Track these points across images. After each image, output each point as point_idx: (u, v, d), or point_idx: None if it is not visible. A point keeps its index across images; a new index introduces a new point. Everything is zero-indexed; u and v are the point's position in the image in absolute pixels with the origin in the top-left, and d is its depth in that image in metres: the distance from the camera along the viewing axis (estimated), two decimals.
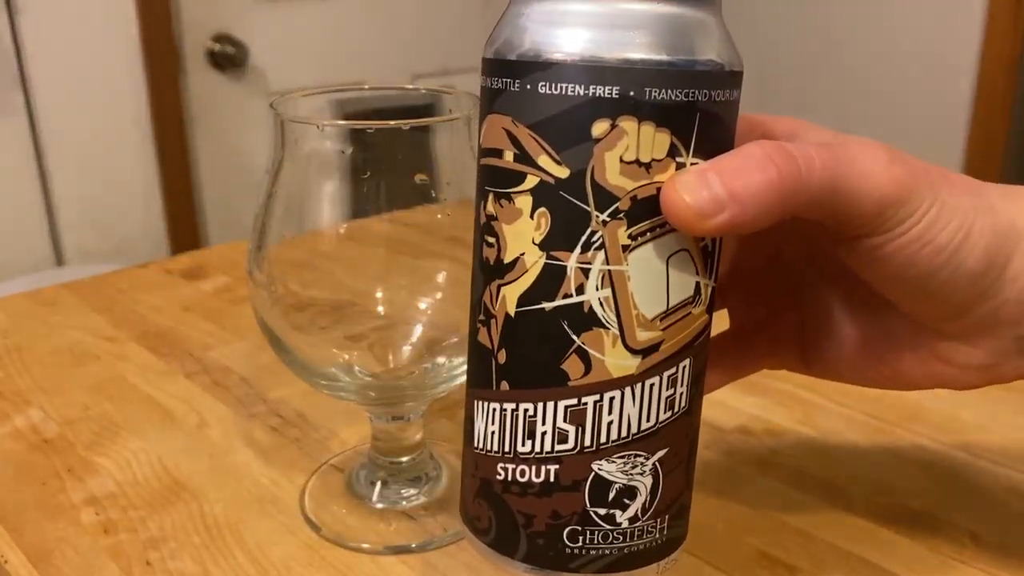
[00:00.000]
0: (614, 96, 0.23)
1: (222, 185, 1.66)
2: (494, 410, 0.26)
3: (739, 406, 0.46)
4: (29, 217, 1.45)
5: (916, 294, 0.27)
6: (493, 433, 0.27)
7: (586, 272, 0.24)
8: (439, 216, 0.35)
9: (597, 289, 0.24)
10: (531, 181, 0.24)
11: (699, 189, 0.23)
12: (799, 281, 0.31)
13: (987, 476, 0.41)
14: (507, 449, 0.26)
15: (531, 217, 0.24)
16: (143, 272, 0.67)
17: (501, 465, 0.27)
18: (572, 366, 0.25)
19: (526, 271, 0.25)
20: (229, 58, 1.60)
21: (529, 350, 0.25)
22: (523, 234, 0.24)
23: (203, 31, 1.58)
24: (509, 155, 0.24)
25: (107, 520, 0.38)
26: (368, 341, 0.37)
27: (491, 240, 0.25)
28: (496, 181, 0.25)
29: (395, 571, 0.35)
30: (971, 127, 1.52)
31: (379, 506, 0.38)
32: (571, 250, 0.24)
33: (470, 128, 0.34)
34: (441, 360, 0.36)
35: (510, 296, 0.25)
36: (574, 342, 0.25)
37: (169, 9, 1.50)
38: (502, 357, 0.26)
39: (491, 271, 0.26)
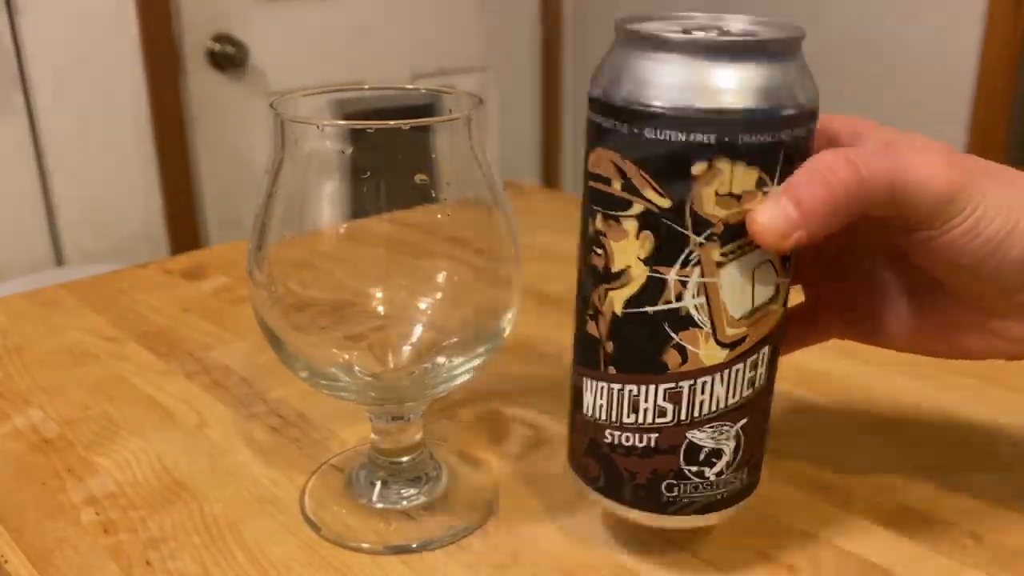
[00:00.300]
0: (711, 142, 0.26)
1: (222, 185, 1.66)
2: (602, 388, 0.31)
3: None
4: (29, 217, 1.45)
5: (968, 279, 0.30)
6: (601, 406, 0.31)
7: (684, 284, 0.28)
8: (439, 216, 0.35)
9: (693, 297, 0.28)
10: (637, 208, 0.28)
11: (776, 215, 0.27)
12: (867, 263, 0.34)
13: (987, 476, 0.41)
14: (614, 419, 0.31)
15: (636, 237, 0.28)
16: (143, 272, 0.67)
17: (609, 431, 0.32)
18: (671, 358, 0.29)
19: (631, 280, 0.29)
20: (229, 58, 1.60)
21: (634, 344, 0.30)
22: (629, 250, 0.29)
23: (203, 31, 1.58)
24: (617, 184, 0.28)
25: (107, 520, 0.38)
26: (368, 341, 0.37)
27: (599, 251, 0.30)
28: (605, 204, 0.29)
29: (395, 571, 0.35)
30: (971, 127, 1.52)
31: (379, 506, 0.38)
32: (671, 266, 0.28)
33: (470, 128, 0.34)
34: (441, 360, 0.36)
35: (617, 299, 0.30)
36: (673, 339, 0.29)
37: (169, 9, 1.50)
38: (610, 347, 0.30)
39: (599, 277, 0.30)
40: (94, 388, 0.49)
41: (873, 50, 1.62)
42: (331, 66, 1.75)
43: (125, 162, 1.52)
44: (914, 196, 0.28)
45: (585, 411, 0.32)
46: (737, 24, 0.29)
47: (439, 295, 0.37)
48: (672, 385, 0.30)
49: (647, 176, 0.27)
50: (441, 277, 0.36)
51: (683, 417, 0.30)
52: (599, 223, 0.29)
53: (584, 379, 0.32)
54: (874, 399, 0.47)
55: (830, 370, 0.50)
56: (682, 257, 0.28)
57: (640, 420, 0.31)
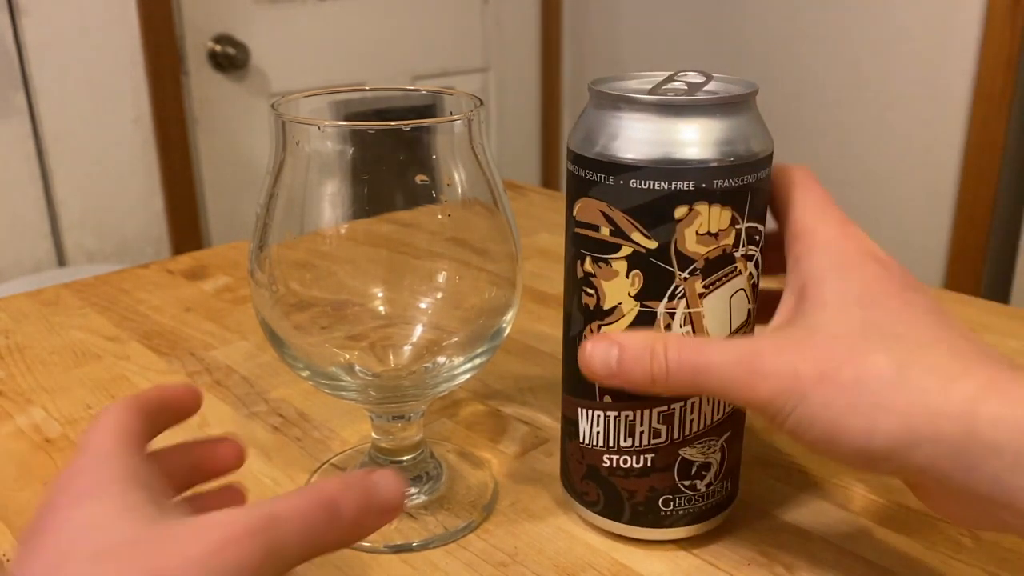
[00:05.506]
0: (691, 188, 0.29)
1: (223, 186, 1.66)
2: (598, 416, 0.34)
3: None
4: (31, 218, 1.45)
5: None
6: (598, 433, 0.34)
7: (672, 315, 0.31)
8: (439, 216, 0.35)
9: (680, 327, 0.31)
10: (626, 250, 0.31)
11: (602, 363, 0.30)
12: None
13: None
14: (611, 444, 0.34)
15: (627, 276, 0.31)
16: (145, 272, 0.67)
17: (606, 456, 0.34)
18: None
19: (623, 316, 0.32)
20: (230, 59, 1.60)
21: None
22: (620, 288, 0.31)
23: (204, 33, 1.58)
24: (606, 230, 0.31)
25: None
26: (369, 341, 0.37)
27: (590, 291, 0.32)
28: (593, 248, 0.32)
29: (396, 570, 0.35)
30: (970, 127, 1.52)
31: None
32: (660, 300, 0.31)
33: (470, 129, 0.34)
34: (441, 360, 0.36)
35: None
36: None
37: (170, 11, 1.50)
38: None
39: (591, 314, 0.32)
40: (96, 387, 0.49)
41: (871, 50, 1.62)
42: (332, 67, 1.75)
43: (127, 163, 1.52)
44: (720, 394, 0.29)
45: (582, 439, 0.35)
46: (706, 81, 0.33)
47: (439, 295, 0.37)
48: (665, 408, 0.33)
49: (634, 221, 0.30)
50: (441, 277, 0.37)
51: (676, 436, 0.33)
52: (588, 266, 0.32)
53: (580, 409, 0.34)
54: None
55: None
56: (669, 291, 0.31)
57: (637, 442, 0.33)
